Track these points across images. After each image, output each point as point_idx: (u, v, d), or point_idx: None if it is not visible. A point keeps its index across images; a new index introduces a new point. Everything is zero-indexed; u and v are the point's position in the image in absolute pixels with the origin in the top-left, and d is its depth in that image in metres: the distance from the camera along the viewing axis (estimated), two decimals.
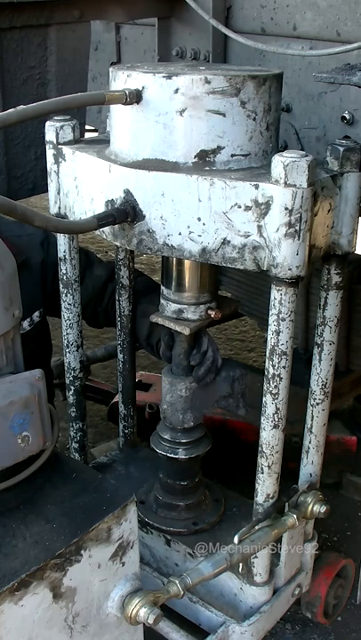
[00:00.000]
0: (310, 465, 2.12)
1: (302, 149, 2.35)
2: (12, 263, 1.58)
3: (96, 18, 2.60)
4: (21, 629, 1.40)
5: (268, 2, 2.34)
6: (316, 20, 2.21)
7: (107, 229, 1.77)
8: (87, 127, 2.79)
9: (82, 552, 1.48)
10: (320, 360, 1.97)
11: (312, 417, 2.04)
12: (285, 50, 2.21)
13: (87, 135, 2.69)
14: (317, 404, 2.02)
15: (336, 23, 2.16)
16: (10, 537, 1.47)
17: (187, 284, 1.99)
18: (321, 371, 1.98)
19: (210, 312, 2.01)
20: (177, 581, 1.73)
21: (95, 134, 2.92)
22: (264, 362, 1.77)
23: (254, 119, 1.68)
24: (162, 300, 2.05)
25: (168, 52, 2.69)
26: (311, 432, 2.06)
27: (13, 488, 1.53)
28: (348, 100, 2.17)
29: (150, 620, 1.58)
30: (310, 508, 2.05)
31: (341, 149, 1.72)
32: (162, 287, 2.05)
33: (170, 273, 2.00)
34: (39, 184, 2.64)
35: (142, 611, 1.58)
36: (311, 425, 2.06)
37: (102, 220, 1.66)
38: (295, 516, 1.99)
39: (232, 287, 2.82)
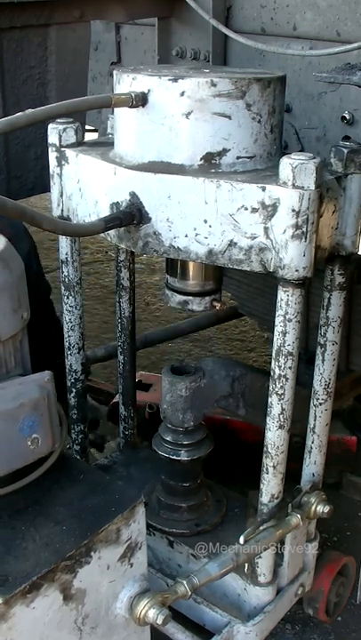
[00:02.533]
0: (313, 465, 2.12)
1: (302, 149, 2.36)
2: (20, 265, 1.59)
3: (96, 18, 2.60)
4: (33, 632, 1.40)
5: (268, 2, 2.34)
6: (316, 19, 2.22)
7: (112, 232, 1.77)
8: (87, 127, 2.78)
9: (92, 554, 1.49)
10: (323, 360, 1.98)
11: (315, 417, 2.05)
12: (285, 50, 2.21)
13: (87, 135, 2.69)
14: (320, 403, 2.03)
15: (336, 23, 2.17)
16: (20, 539, 1.47)
17: (191, 272, 1.96)
18: (324, 371, 1.99)
19: (215, 304, 2.00)
20: (184, 582, 1.74)
21: (95, 135, 2.93)
22: (264, 362, 1.77)
23: (259, 121, 1.69)
24: (166, 291, 2.03)
25: (168, 52, 2.69)
26: (314, 432, 2.07)
27: (21, 490, 1.53)
28: (348, 99, 2.18)
29: (159, 621, 1.59)
30: (314, 508, 2.06)
31: (346, 151, 1.73)
32: (166, 276, 2.03)
33: (175, 260, 1.97)
34: (39, 184, 2.64)
35: (151, 611, 1.59)
36: (314, 425, 2.06)
37: (109, 223, 1.66)
38: (299, 516, 1.99)
39: (232, 287, 2.82)
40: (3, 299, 1.50)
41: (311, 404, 2.04)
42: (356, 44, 1.86)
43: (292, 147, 2.38)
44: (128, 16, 2.64)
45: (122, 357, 2.49)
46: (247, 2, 2.42)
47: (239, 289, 2.80)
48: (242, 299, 2.81)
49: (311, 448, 2.10)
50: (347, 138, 2.17)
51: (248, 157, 1.70)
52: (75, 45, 2.56)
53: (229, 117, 1.65)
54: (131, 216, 1.69)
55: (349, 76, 1.84)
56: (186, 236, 1.68)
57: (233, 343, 4.31)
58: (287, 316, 1.68)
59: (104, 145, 1.92)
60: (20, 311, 1.56)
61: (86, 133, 2.70)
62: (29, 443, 1.52)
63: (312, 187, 1.54)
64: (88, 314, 4.56)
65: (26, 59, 2.45)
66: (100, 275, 4.92)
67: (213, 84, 1.62)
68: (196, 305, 2.00)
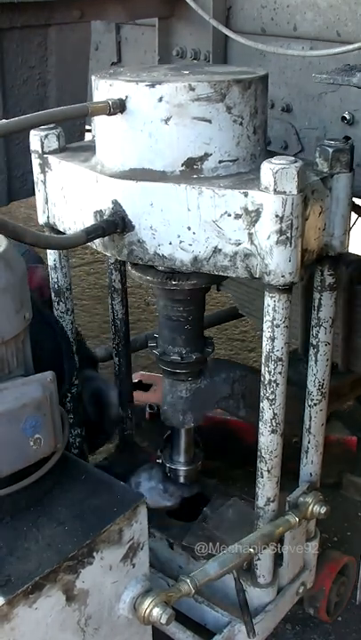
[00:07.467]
0: (310, 465, 2.12)
1: (302, 150, 2.35)
2: (22, 265, 1.58)
3: (96, 18, 2.60)
4: (35, 633, 1.40)
5: (269, 2, 2.34)
6: (317, 20, 2.21)
7: (97, 240, 1.75)
8: (87, 127, 2.78)
9: (94, 554, 1.48)
10: (316, 361, 1.96)
11: (310, 417, 2.04)
12: (286, 50, 2.20)
13: (88, 135, 2.70)
14: (315, 404, 2.02)
15: (336, 23, 2.16)
16: (22, 540, 1.47)
17: None
18: (317, 372, 1.97)
19: None
20: (188, 580, 1.73)
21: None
22: None
23: (241, 124, 1.67)
24: None
25: (168, 52, 2.69)
26: (310, 432, 2.06)
27: (23, 490, 1.52)
28: (348, 100, 2.18)
29: (163, 620, 1.57)
30: (310, 508, 2.04)
31: (331, 150, 1.70)
32: None
33: None
34: None
35: (155, 610, 1.58)
36: (309, 425, 2.05)
37: (91, 234, 1.64)
38: (296, 516, 1.99)
39: (232, 288, 2.81)
40: (5, 299, 1.49)
41: (306, 404, 2.04)
42: (356, 45, 1.84)
43: (293, 147, 2.37)
44: (128, 16, 2.63)
45: (117, 359, 2.49)
46: (247, 2, 2.42)
47: (239, 290, 2.79)
48: (242, 300, 2.79)
49: (308, 448, 2.09)
50: (347, 138, 2.16)
51: (231, 161, 1.68)
52: (75, 45, 2.56)
53: (210, 121, 1.63)
54: (114, 225, 1.67)
55: (349, 77, 1.82)
56: (170, 243, 1.66)
57: (233, 343, 4.28)
58: (275, 322, 1.66)
59: (88, 149, 1.89)
60: (23, 311, 1.55)
61: (87, 134, 2.71)
62: (32, 443, 1.50)
63: (294, 191, 1.52)
64: (88, 314, 4.57)
65: (26, 59, 2.45)
66: (100, 275, 4.87)
67: (192, 89, 1.60)
68: None
